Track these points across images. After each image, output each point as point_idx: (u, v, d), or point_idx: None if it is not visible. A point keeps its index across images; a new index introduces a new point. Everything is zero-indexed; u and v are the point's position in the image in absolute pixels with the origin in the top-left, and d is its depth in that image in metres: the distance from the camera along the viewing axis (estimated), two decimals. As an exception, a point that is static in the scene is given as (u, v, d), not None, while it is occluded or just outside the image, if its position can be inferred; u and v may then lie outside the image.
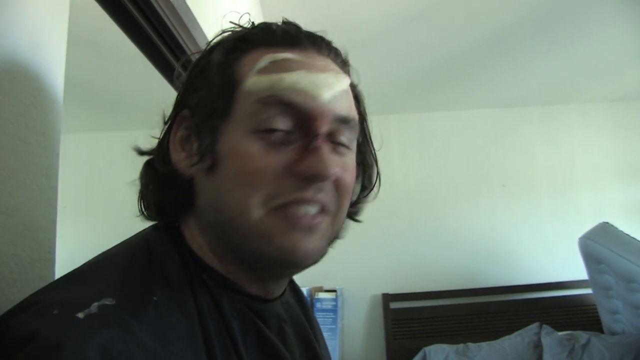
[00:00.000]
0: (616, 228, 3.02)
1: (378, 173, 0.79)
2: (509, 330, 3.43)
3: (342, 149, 0.65)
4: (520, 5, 2.62)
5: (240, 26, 0.70)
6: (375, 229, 3.81)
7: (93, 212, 3.57)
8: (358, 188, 0.76)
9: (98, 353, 0.45)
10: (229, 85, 0.62)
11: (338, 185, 0.64)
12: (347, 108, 0.65)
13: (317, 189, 0.61)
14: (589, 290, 3.45)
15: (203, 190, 0.65)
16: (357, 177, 0.73)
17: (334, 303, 3.61)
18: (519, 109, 4.23)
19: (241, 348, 0.60)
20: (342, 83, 0.64)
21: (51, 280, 0.74)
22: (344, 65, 0.70)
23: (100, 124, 3.66)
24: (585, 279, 3.32)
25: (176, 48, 1.44)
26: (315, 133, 0.61)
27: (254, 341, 0.63)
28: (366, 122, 0.76)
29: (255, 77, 0.61)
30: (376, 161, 0.79)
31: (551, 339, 3.17)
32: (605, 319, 3.27)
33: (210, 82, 0.63)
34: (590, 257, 3.06)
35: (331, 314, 3.57)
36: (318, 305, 3.60)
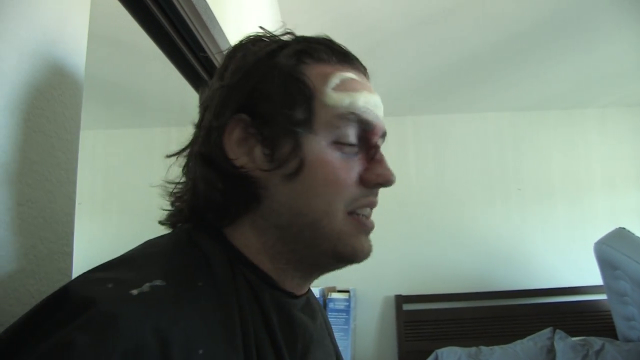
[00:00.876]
0: (632, 233, 2.99)
1: None
2: (522, 335, 3.41)
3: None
4: (538, 8, 2.60)
5: (291, 33, 0.75)
6: (390, 230, 3.81)
7: (109, 209, 3.60)
8: None
9: (152, 330, 0.48)
10: (308, 97, 0.67)
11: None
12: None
13: (377, 193, 0.72)
14: (603, 296, 3.41)
15: (277, 194, 0.67)
16: None
17: (347, 303, 3.60)
18: (536, 113, 4.20)
19: (279, 337, 0.64)
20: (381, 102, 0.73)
21: (69, 274, 0.76)
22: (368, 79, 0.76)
23: (117, 121, 3.69)
24: (600, 285, 3.29)
25: (194, 45, 1.44)
26: (376, 146, 0.70)
27: (289, 331, 0.67)
28: None
29: (335, 94, 0.67)
30: None
31: (564, 344, 3.15)
32: (620, 325, 3.24)
33: (284, 90, 0.67)
34: (606, 262, 3.03)
35: (344, 314, 3.57)
36: (331, 305, 3.60)
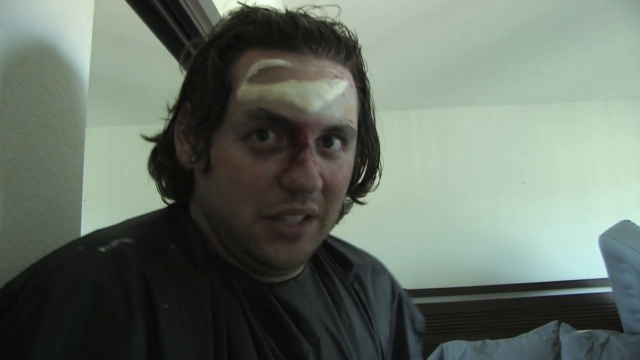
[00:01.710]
0: (637, 226, 2.98)
1: (379, 163, 0.78)
2: (527, 328, 3.41)
3: (336, 152, 0.66)
4: (542, 1, 2.59)
5: (247, 7, 0.69)
6: (394, 224, 3.81)
7: (114, 205, 3.61)
8: (363, 173, 0.77)
9: (116, 282, 0.52)
10: (223, 91, 0.63)
11: (326, 190, 0.65)
12: (341, 114, 0.63)
13: (304, 199, 0.62)
14: (608, 289, 3.41)
15: (200, 186, 0.68)
16: (359, 167, 0.75)
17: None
18: (540, 106, 4.19)
19: (249, 314, 0.63)
20: (335, 89, 0.63)
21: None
22: (348, 57, 0.67)
23: (120, 117, 3.69)
24: (605, 277, 3.28)
25: (190, 30, 1.41)
26: (303, 143, 0.61)
27: (264, 308, 0.66)
28: (372, 111, 0.74)
29: (246, 87, 0.61)
30: (378, 151, 0.78)
31: (570, 337, 3.15)
32: (625, 318, 3.23)
33: (206, 84, 0.64)
34: (611, 255, 3.03)
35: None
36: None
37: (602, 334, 3.13)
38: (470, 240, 3.96)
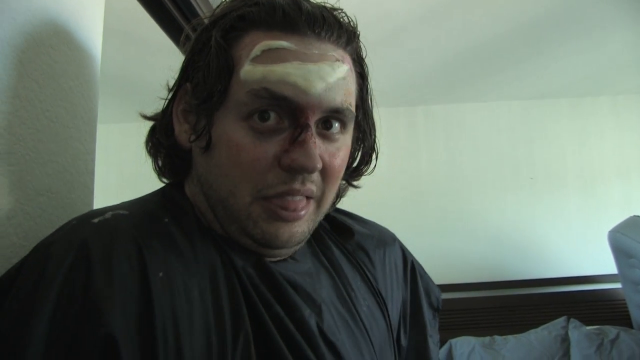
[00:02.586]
0: (647, 222, 2.97)
1: (374, 147, 0.79)
2: (536, 324, 3.40)
3: (334, 135, 0.66)
4: (550, -4, 2.58)
5: None
6: (401, 220, 3.80)
7: (123, 200, 3.61)
8: (358, 157, 0.78)
9: (107, 252, 0.54)
10: (226, 71, 0.63)
11: (324, 172, 0.66)
12: (341, 97, 0.64)
13: (303, 179, 0.63)
14: (618, 285, 3.39)
15: (198, 165, 0.68)
16: (355, 150, 0.76)
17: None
18: (548, 101, 4.17)
19: (248, 287, 0.63)
20: (337, 72, 0.64)
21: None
22: (348, 42, 0.68)
23: (130, 115, 3.69)
24: (614, 273, 3.26)
25: (189, 13, 1.39)
26: (304, 124, 0.62)
27: (265, 280, 0.66)
28: (369, 97, 0.76)
29: (249, 67, 0.62)
30: (374, 135, 0.79)
31: (579, 333, 3.14)
32: (635, 314, 3.22)
33: (209, 63, 0.64)
34: (620, 250, 3.01)
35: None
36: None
37: (611, 330, 3.11)
38: (478, 236, 3.95)
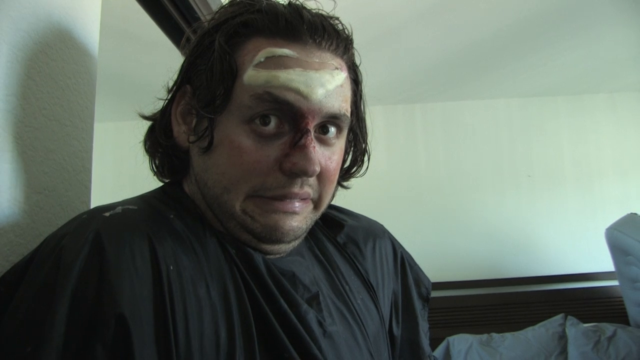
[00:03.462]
0: (644, 219, 2.97)
1: (366, 150, 0.82)
2: (534, 321, 3.40)
3: (331, 139, 0.69)
4: (547, -7, 2.58)
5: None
6: (399, 218, 3.81)
7: (120, 199, 3.60)
8: (349, 160, 0.81)
9: (117, 244, 0.55)
10: (229, 75, 0.64)
11: (320, 175, 0.68)
12: (339, 104, 0.67)
13: (302, 183, 0.66)
14: (615, 282, 3.40)
15: (195, 165, 0.70)
16: (346, 153, 0.78)
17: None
18: (546, 99, 4.17)
19: (248, 279, 0.65)
20: (336, 80, 0.67)
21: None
22: (345, 51, 0.71)
23: (126, 113, 3.69)
24: (611, 271, 3.27)
25: (190, 16, 1.40)
26: (304, 129, 0.64)
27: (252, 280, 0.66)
28: (362, 102, 0.78)
29: (253, 72, 0.63)
30: (366, 139, 0.82)
31: (576, 330, 3.14)
32: (632, 311, 3.22)
33: (212, 67, 0.65)
34: (617, 248, 3.02)
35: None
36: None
37: (609, 327, 3.12)
38: (476, 234, 3.95)
